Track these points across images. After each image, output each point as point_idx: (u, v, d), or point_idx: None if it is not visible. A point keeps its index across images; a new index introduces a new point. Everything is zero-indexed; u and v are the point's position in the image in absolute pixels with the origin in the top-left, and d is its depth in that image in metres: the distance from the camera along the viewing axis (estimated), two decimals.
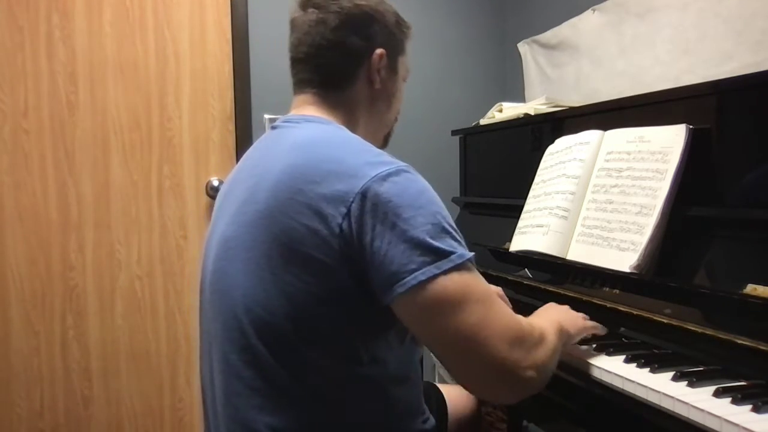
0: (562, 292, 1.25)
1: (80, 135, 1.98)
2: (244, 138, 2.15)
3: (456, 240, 0.80)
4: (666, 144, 1.10)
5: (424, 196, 0.80)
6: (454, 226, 0.82)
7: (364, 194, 0.78)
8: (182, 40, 2.08)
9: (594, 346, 1.03)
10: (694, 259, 1.03)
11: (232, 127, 2.15)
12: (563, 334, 0.91)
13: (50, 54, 1.94)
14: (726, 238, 1.01)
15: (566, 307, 1.06)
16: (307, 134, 0.90)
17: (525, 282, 1.40)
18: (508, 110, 1.84)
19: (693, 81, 1.32)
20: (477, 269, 0.82)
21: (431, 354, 0.98)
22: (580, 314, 1.06)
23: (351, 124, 0.97)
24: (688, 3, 1.59)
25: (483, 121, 1.94)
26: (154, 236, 2.07)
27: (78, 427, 2.01)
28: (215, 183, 2.11)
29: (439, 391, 1.22)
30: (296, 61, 1.00)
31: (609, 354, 0.99)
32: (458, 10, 2.48)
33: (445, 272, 0.76)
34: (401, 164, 0.83)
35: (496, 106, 1.92)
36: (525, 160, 1.60)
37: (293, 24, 1.00)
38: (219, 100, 2.13)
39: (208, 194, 2.11)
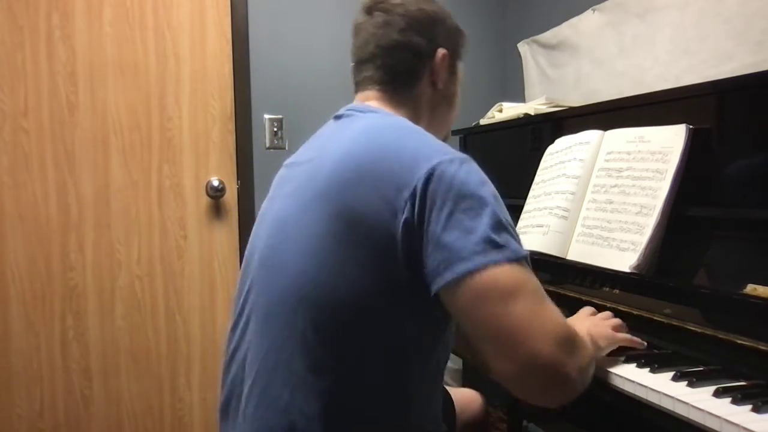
0: (562, 292, 1.25)
1: (80, 135, 1.98)
2: (244, 138, 2.15)
3: (512, 236, 0.79)
4: (666, 144, 1.10)
5: (484, 188, 0.80)
6: (512, 223, 0.82)
7: (427, 179, 0.79)
8: (182, 40, 2.07)
9: None
10: (694, 259, 1.03)
11: (232, 127, 2.15)
12: (596, 346, 0.91)
13: (50, 54, 1.94)
14: (726, 238, 1.01)
15: (600, 317, 1.03)
16: (373, 121, 0.92)
17: None
18: (508, 110, 1.84)
19: (693, 81, 1.32)
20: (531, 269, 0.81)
21: None
22: (612, 322, 1.02)
23: (414, 122, 0.98)
24: (688, 3, 1.59)
25: (483, 121, 1.95)
26: (154, 236, 2.07)
27: (78, 427, 2.01)
28: (215, 183, 2.11)
29: (447, 393, 1.21)
30: (362, 62, 1.02)
31: (609, 354, 0.99)
32: (458, 10, 2.45)
33: (496, 263, 0.76)
34: (464, 155, 0.83)
35: (496, 106, 1.92)
36: (525, 160, 1.60)
37: (358, 28, 1.03)
38: (219, 100, 2.13)
39: (208, 194, 2.11)
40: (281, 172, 1.03)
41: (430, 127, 1.01)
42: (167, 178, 2.08)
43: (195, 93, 2.10)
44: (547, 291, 1.28)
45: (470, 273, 0.75)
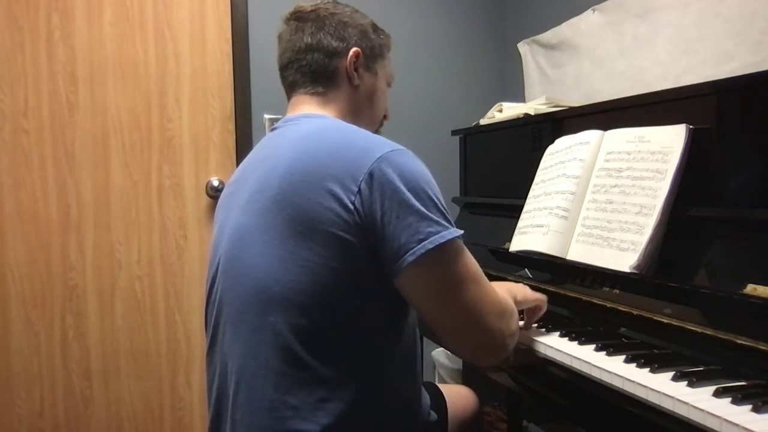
0: (562, 292, 1.25)
1: (80, 135, 1.98)
2: (244, 138, 2.15)
3: (449, 219, 0.88)
4: (666, 144, 1.11)
5: (424, 177, 0.88)
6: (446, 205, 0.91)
7: (372, 172, 0.84)
8: (182, 40, 2.07)
9: (594, 345, 1.03)
10: (694, 259, 1.03)
11: (232, 127, 2.15)
12: (516, 302, 1.03)
13: (50, 54, 1.94)
14: (726, 238, 1.01)
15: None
16: (313, 125, 0.97)
17: (525, 282, 1.40)
18: (508, 110, 1.84)
19: (693, 81, 1.32)
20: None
21: (430, 354, 0.98)
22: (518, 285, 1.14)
23: (345, 120, 1.04)
24: (688, 3, 1.59)
25: (483, 121, 1.94)
26: (154, 236, 2.07)
27: (78, 427, 2.01)
28: (215, 183, 2.11)
29: (440, 390, 1.22)
30: (282, 68, 1.09)
31: (609, 354, 0.99)
32: (458, 11, 2.48)
33: (449, 242, 0.84)
34: (402, 147, 0.90)
35: (496, 106, 1.92)
36: (525, 160, 1.60)
37: (279, 38, 1.09)
38: (219, 100, 2.13)
39: (208, 194, 2.11)
40: (229, 188, 1.06)
41: (360, 123, 1.06)
42: (167, 178, 2.08)
43: (195, 93, 2.10)
44: (547, 291, 1.29)
45: (428, 252, 0.83)
